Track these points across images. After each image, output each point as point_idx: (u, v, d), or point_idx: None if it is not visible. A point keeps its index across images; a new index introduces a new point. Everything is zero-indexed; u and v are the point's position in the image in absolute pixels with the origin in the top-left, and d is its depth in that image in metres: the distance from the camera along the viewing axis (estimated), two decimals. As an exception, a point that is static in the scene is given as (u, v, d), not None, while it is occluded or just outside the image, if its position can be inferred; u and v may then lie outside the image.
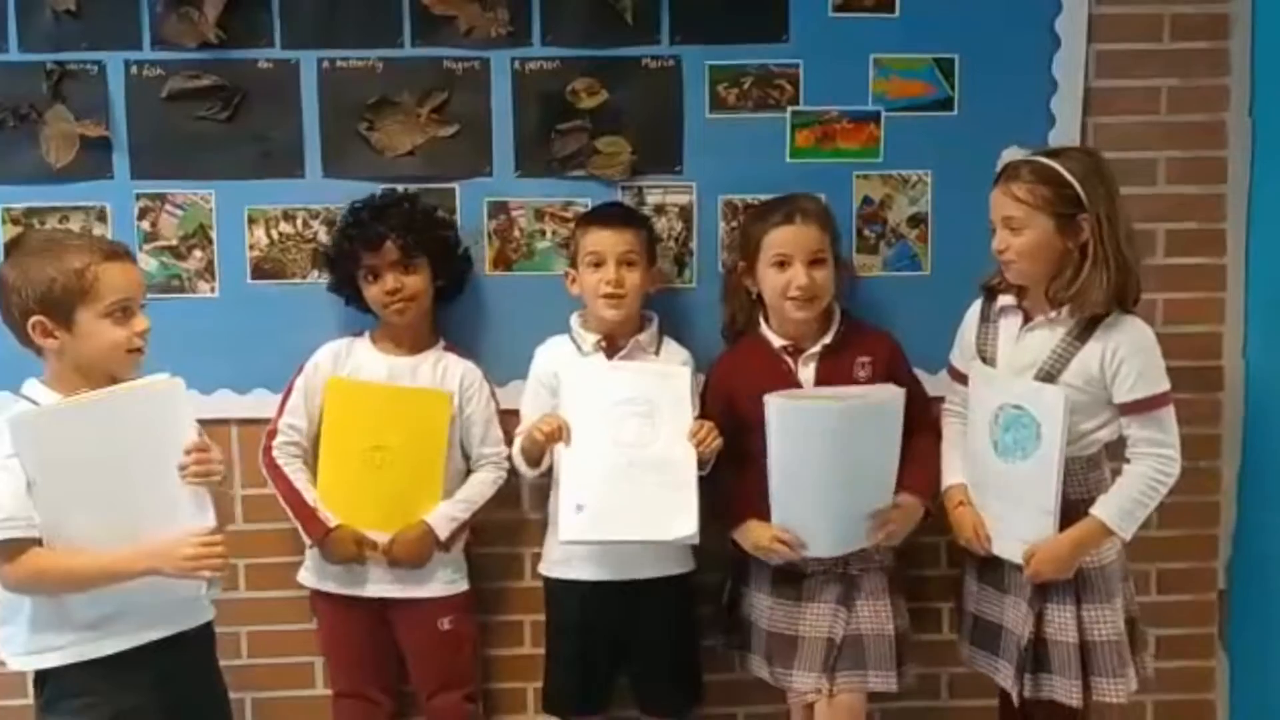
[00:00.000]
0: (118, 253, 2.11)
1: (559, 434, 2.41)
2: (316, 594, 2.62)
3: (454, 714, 2.63)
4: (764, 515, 2.42)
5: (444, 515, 2.55)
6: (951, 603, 2.69)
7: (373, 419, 2.54)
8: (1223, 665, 2.87)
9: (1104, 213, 2.26)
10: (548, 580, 2.60)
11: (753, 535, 2.45)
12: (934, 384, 2.66)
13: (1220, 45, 2.71)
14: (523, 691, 2.78)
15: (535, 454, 2.49)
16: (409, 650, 2.62)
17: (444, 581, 2.59)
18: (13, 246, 2.19)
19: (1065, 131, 2.66)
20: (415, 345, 2.62)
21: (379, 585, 2.55)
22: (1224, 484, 2.78)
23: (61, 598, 2.04)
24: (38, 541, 2.01)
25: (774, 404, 2.35)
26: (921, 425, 2.50)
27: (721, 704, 2.77)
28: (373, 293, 2.55)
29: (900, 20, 2.67)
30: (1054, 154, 2.34)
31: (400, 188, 2.64)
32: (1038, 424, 2.28)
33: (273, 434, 2.58)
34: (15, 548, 2.01)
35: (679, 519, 2.36)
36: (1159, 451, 2.30)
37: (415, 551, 2.53)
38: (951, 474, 2.48)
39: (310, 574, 2.61)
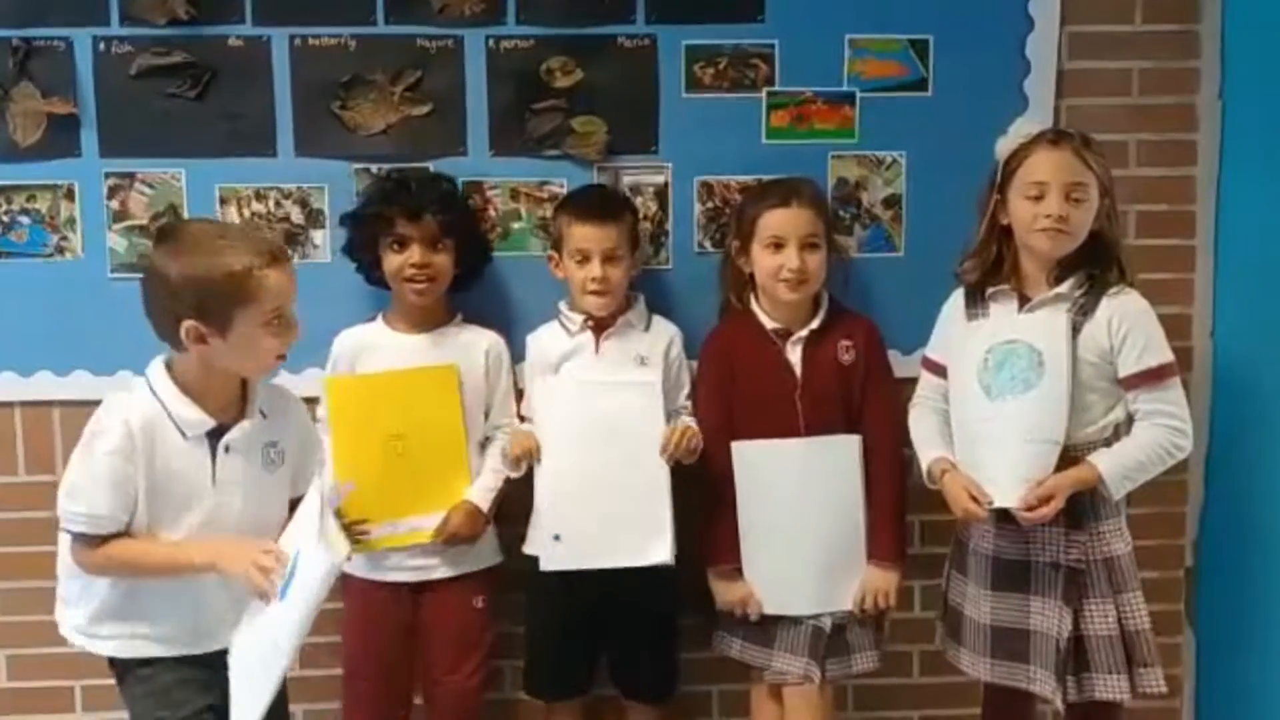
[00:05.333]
0: (278, 255, 2.01)
1: (529, 455, 2.42)
2: (349, 577, 2.52)
3: (465, 694, 2.56)
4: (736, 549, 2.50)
5: (483, 489, 2.51)
6: (923, 580, 2.72)
7: (383, 409, 2.46)
8: (1189, 642, 2.91)
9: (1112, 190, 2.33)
10: (531, 560, 2.57)
11: (725, 596, 2.51)
12: (908, 365, 2.67)
13: (1191, 28, 2.74)
14: (501, 670, 2.77)
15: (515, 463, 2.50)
16: (436, 629, 2.54)
17: (486, 555, 2.57)
18: (167, 238, 2.07)
19: (1039, 113, 2.66)
20: (433, 322, 2.55)
21: (413, 572, 2.51)
22: (1191, 462, 2.79)
23: (136, 607, 2.07)
24: (123, 532, 2.02)
25: (738, 446, 2.46)
26: (881, 456, 2.50)
27: (695, 683, 2.78)
28: (395, 263, 2.47)
29: (875, 1, 2.67)
30: None
31: (374, 168, 2.62)
32: (1037, 352, 2.24)
33: None
34: (100, 540, 2.02)
35: (654, 544, 2.38)
36: (1172, 423, 2.25)
37: (470, 527, 2.48)
38: (931, 449, 2.42)
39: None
